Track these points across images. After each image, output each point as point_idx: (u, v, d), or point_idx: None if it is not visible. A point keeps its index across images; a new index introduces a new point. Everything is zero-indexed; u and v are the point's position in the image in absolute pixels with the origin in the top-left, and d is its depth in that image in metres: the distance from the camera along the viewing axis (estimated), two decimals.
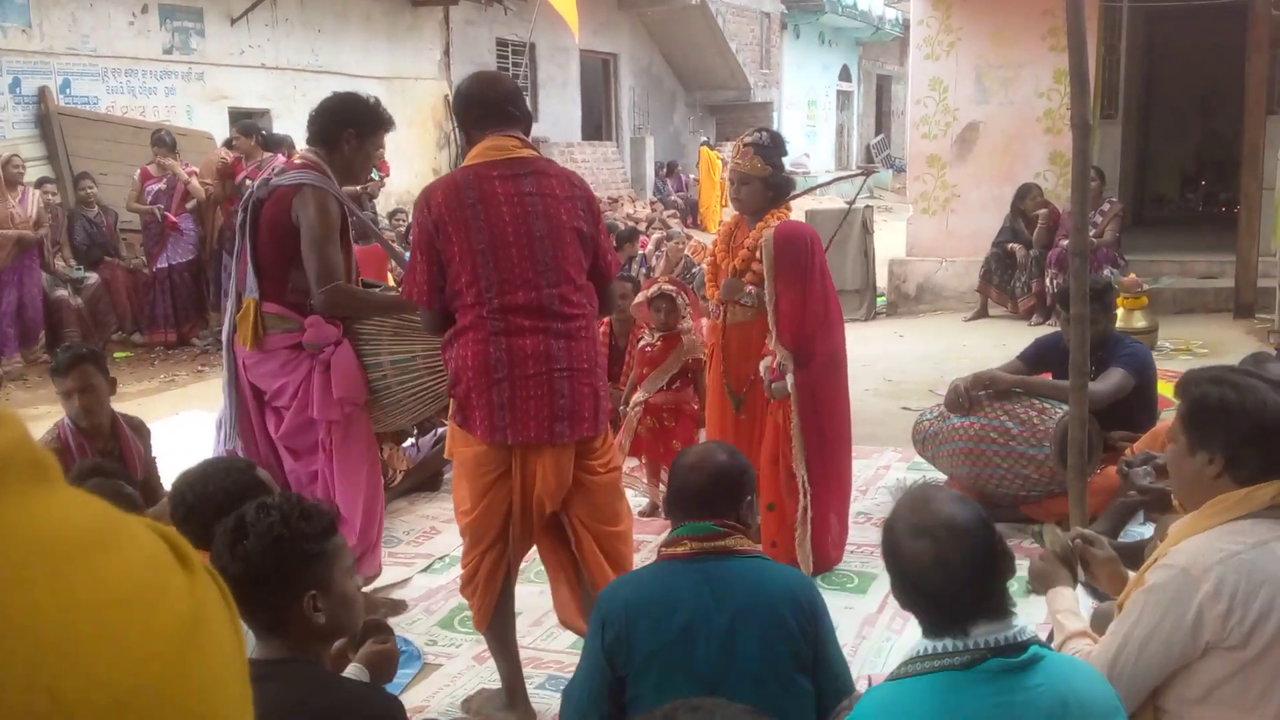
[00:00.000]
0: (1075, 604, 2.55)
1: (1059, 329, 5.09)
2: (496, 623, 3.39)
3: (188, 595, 0.55)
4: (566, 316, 3.18)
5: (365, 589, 3.76)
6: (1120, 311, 8.56)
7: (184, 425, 6.54)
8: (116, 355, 9.47)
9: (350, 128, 3.92)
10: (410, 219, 12.49)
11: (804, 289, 4.30)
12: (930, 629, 1.97)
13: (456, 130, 3.58)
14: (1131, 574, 2.51)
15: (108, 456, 4.05)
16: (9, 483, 0.51)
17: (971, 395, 4.88)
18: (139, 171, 9.92)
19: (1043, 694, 1.89)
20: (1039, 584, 2.61)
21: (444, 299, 3.19)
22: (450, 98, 16.11)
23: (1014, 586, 2.02)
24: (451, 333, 3.20)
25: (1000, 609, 1.94)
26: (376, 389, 3.96)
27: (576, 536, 3.35)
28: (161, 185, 9.78)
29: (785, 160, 4.72)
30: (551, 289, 3.16)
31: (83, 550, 0.51)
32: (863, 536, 4.86)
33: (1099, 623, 2.66)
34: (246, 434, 3.97)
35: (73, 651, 0.48)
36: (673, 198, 19.54)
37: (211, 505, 2.49)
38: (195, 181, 9.86)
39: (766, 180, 4.55)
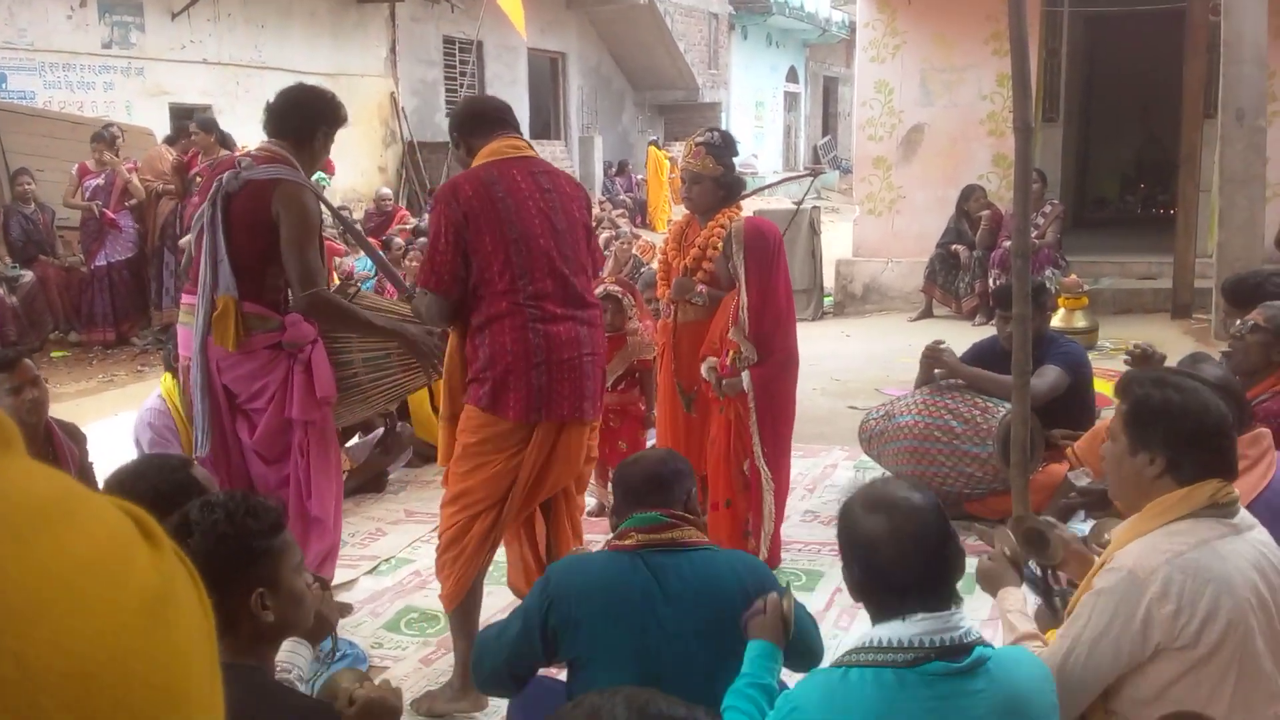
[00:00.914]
0: (1024, 604, 2.57)
1: (997, 331, 5.16)
2: (468, 600, 3.47)
3: (154, 570, 0.53)
4: (587, 305, 3.48)
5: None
6: (1061, 312, 8.70)
7: (123, 426, 6.41)
8: (53, 355, 9.29)
9: (324, 125, 3.85)
10: (359, 213, 12.38)
11: (766, 285, 4.30)
12: (877, 611, 1.99)
13: (455, 146, 3.68)
14: (1095, 555, 2.54)
15: (39, 460, 3.94)
16: None
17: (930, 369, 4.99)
18: (76, 167, 9.73)
19: (983, 699, 1.90)
20: (987, 584, 2.63)
21: (463, 288, 3.34)
22: (394, 100, 16.00)
23: (961, 584, 2.04)
24: (483, 319, 3.34)
25: (945, 599, 1.95)
26: (346, 386, 3.95)
27: (555, 506, 3.62)
28: (100, 181, 9.60)
29: (735, 160, 4.74)
30: (574, 278, 3.42)
31: (47, 518, 0.50)
32: (810, 534, 4.89)
33: (1041, 622, 2.69)
34: (218, 440, 3.79)
35: (40, 618, 0.47)
36: (621, 197, 19.53)
37: (142, 505, 2.42)
38: (136, 179, 9.69)
39: (718, 180, 4.57)
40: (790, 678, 2.37)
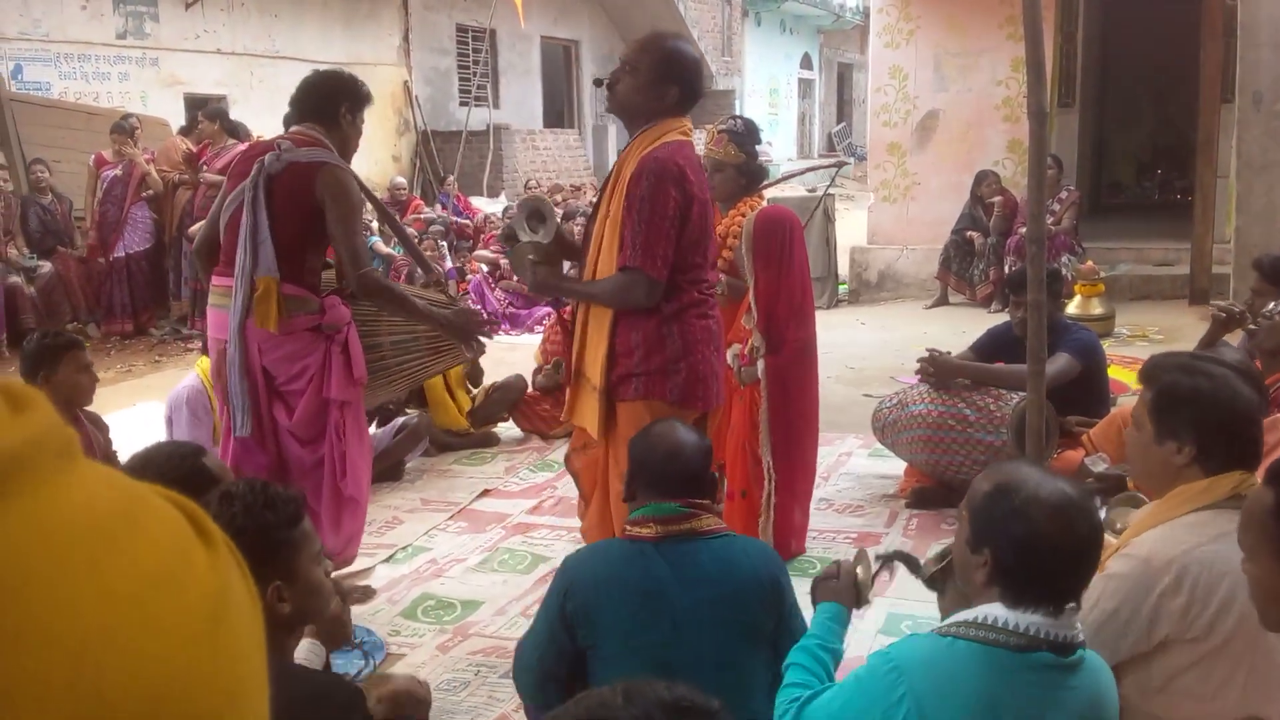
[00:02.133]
0: None
1: (1009, 317, 5.14)
2: None
3: (212, 571, 0.53)
4: (714, 295, 3.52)
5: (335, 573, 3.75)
6: (1078, 298, 8.67)
7: (141, 416, 6.46)
8: None
9: (345, 102, 3.86)
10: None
11: (779, 275, 4.30)
12: (1011, 596, 1.88)
13: (655, 81, 3.32)
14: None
15: None
16: (42, 468, 0.48)
17: (941, 376, 4.91)
18: (94, 158, 9.76)
19: (1078, 695, 1.89)
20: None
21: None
22: (407, 89, 15.99)
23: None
24: (677, 308, 3.30)
25: (1078, 598, 1.91)
26: (373, 369, 3.99)
27: None
28: (117, 172, 9.63)
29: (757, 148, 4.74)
30: (714, 271, 3.51)
31: (113, 533, 0.49)
32: (824, 523, 4.89)
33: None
34: (256, 421, 3.79)
35: (113, 644, 0.46)
36: None
37: None
38: (154, 171, 9.72)
39: (740, 167, 4.56)
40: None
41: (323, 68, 4.31)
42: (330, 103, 3.84)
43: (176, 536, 0.52)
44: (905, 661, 1.91)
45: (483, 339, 4.12)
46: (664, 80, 3.32)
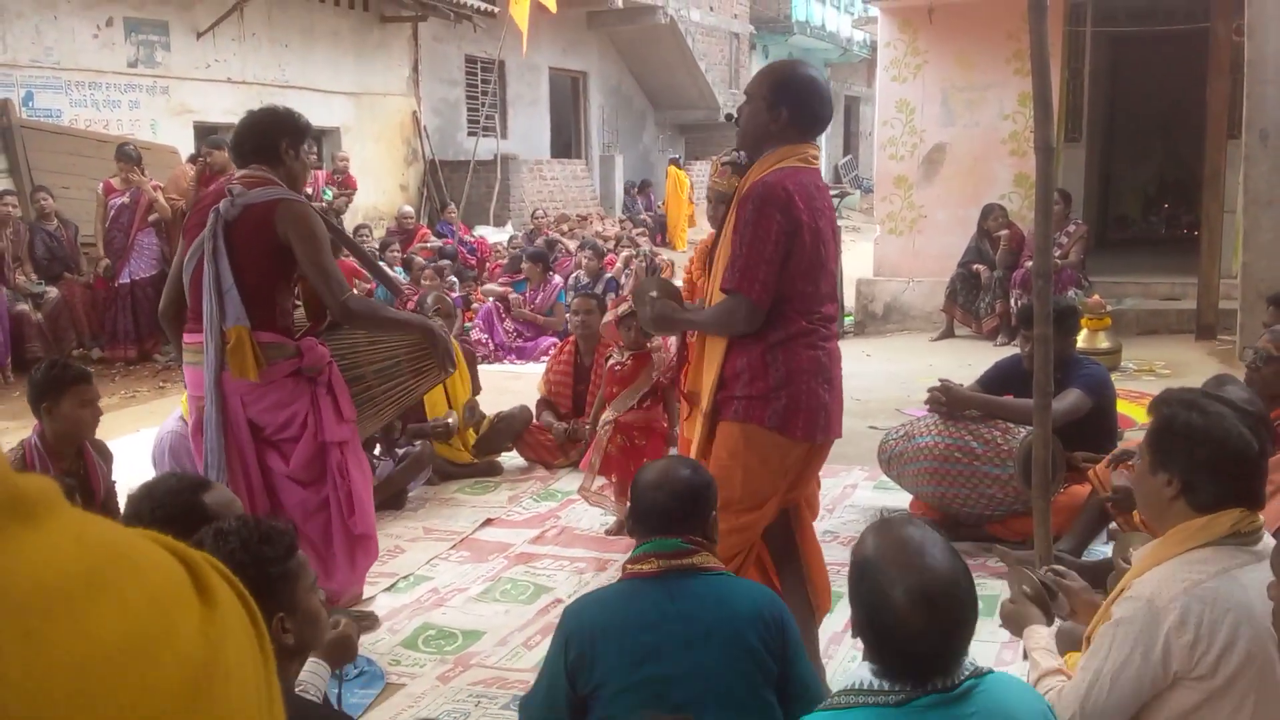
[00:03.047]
0: (1050, 641, 2.55)
1: (1019, 350, 5.12)
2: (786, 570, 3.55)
3: (200, 637, 0.49)
4: (832, 329, 3.44)
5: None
6: (1084, 332, 8.64)
7: (144, 442, 6.44)
8: None
9: (285, 139, 3.79)
10: (418, 234, 12.42)
11: None
12: (883, 672, 1.90)
13: (768, 107, 3.30)
14: (1100, 599, 2.52)
15: (71, 477, 3.98)
16: None
17: (952, 407, 4.88)
18: (102, 185, 9.81)
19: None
20: (1011, 626, 2.61)
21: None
22: (416, 119, 16.08)
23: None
24: (783, 336, 3.26)
25: (956, 668, 1.89)
26: (360, 400, 3.96)
27: (800, 520, 3.57)
28: (125, 199, 9.67)
29: None
30: (835, 303, 3.44)
31: (66, 600, 0.45)
32: (829, 555, 4.83)
33: (1061, 641, 2.67)
34: (234, 474, 3.68)
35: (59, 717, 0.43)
36: (642, 216, 19.57)
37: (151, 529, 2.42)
38: (161, 198, 9.75)
39: None
40: None
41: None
42: (269, 140, 3.78)
43: (157, 599, 0.49)
44: None
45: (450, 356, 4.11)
46: (775, 104, 3.30)
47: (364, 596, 4.50)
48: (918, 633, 1.85)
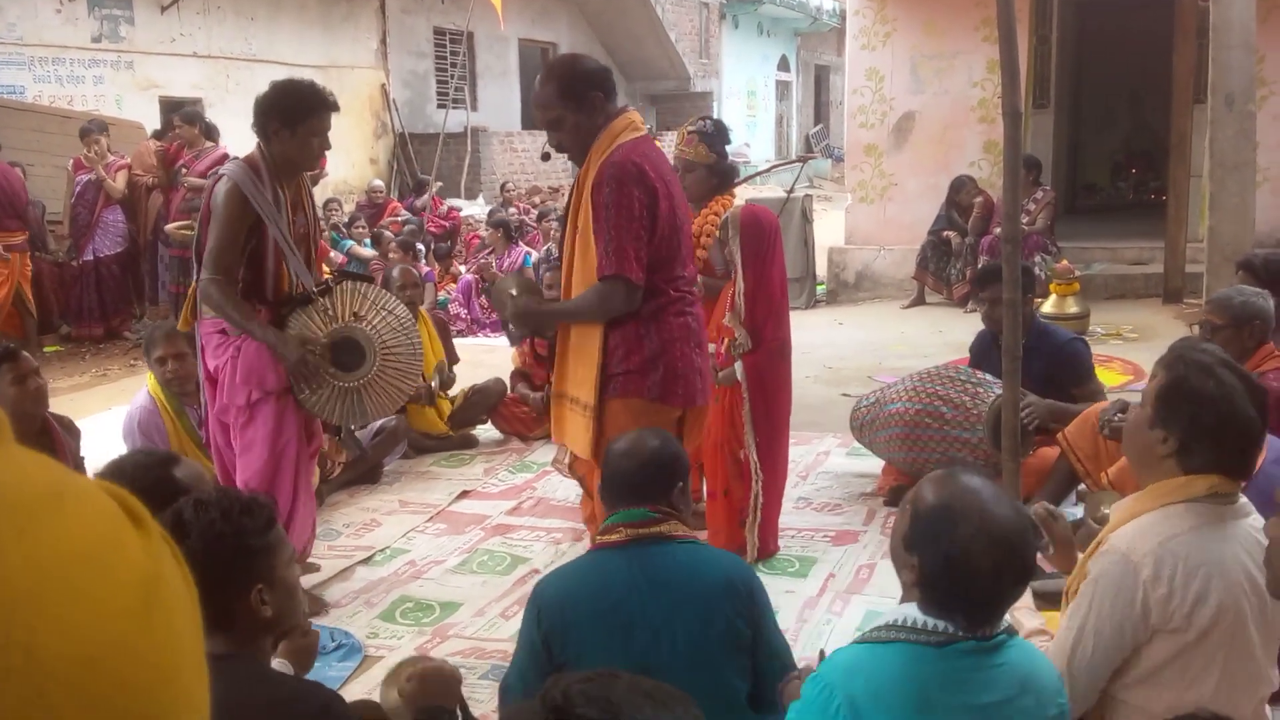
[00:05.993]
0: (1030, 600, 2.59)
1: (979, 312, 5.17)
2: None
3: (145, 554, 0.55)
4: (695, 292, 3.50)
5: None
6: (1053, 297, 8.72)
7: (115, 420, 6.41)
8: (46, 349, 9.27)
9: (275, 119, 3.84)
10: (338, 208, 12.34)
11: (761, 273, 4.30)
12: (938, 612, 1.94)
13: (577, 107, 3.35)
14: (1079, 553, 2.55)
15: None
16: None
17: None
18: (72, 162, 9.67)
19: (1004, 672, 1.93)
20: None
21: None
22: (385, 91, 15.96)
23: None
24: (654, 308, 3.31)
25: (1002, 614, 1.98)
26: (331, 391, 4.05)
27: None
28: (92, 176, 9.55)
29: (728, 148, 4.74)
30: (691, 266, 3.48)
31: (42, 508, 0.51)
32: (803, 521, 4.91)
33: (1038, 599, 2.72)
34: (210, 419, 4.10)
35: (44, 606, 0.48)
36: None
37: None
38: (121, 179, 9.55)
39: (711, 167, 4.57)
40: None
41: (299, 71, 4.40)
42: (260, 120, 3.91)
43: (107, 520, 0.55)
44: (832, 675, 1.97)
45: (310, 383, 3.98)
46: (579, 97, 3.34)
47: (340, 569, 4.52)
48: (986, 573, 1.89)
